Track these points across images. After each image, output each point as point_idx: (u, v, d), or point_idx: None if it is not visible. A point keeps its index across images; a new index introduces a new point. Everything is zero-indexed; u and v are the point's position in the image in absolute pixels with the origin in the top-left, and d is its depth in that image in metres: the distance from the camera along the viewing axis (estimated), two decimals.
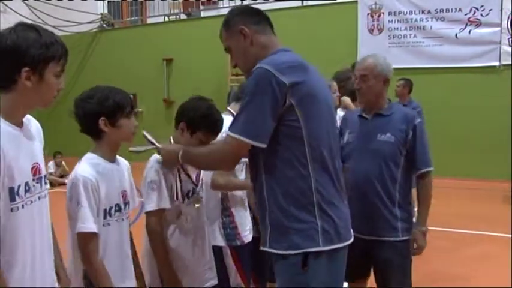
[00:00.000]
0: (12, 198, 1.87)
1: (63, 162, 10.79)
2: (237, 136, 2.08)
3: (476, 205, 7.16)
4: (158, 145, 2.59)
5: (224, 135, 2.21)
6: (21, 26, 1.88)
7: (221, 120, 2.77)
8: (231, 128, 2.12)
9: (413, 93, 7.16)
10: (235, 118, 2.14)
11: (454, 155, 9.39)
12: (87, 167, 2.37)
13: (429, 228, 3.12)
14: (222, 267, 3.06)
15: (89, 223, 2.28)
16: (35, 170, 1.99)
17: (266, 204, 2.19)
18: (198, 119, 2.71)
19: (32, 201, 1.96)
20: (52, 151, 10.74)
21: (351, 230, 2.29)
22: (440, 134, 8.67)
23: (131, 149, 2.62)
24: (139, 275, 2.65)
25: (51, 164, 10.43)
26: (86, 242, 2.31)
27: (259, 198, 2.23)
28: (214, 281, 2.90)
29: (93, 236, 2.30)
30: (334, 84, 4.40)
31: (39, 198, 2.02)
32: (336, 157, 2.25)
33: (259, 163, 2.18)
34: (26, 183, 1.93)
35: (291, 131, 2.11)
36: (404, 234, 3.06)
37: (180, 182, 2.73)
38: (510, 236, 6.01)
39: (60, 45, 1.90)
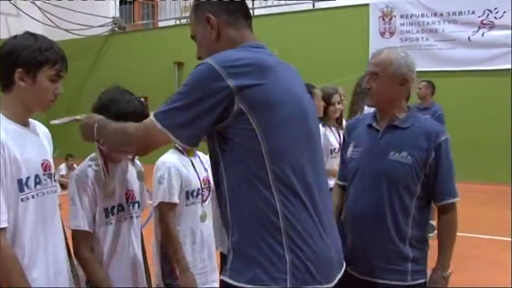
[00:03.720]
0: (21, 189, 2.01)
1: (74, 165, 10.85)
2: (162, 128, 1.74)
3: (479, 209, 7.12)
4: (78, 117, 2.19)
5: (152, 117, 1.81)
6: (24, 33, 2.10)
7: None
8: (157, 114, 1.78)
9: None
10: (165, 105, 1.78)
11: (464, 159, 9.33)
12: (84, 165, 2.43)
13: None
14: None
15: (78, 220, 2.34)
16: (45, 166, 2.14)
17: (230, 226, 1.81)
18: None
19: (43, 193, 2.11)
20: (64, 154, 10.80)
21: (335, 272, 1.84)
22: (453, 138, 8.60)
23: (52, 122, 2.30)
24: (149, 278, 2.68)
25: (62, 166, 10.48)
26: (76, 239, 2.36)
27: (224, 219, 1.86)
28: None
29: (84, 233, 2.36)
30: (318, 92, 4.28)
31: (50, 191, 2.16)
32: (312, 182, 1.82)
33: (222, 178, 1.81)
34: (36, 176, 2.08)
35: (245, 141, 1.73)
36: (415, 277, 2.43)
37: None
38: (510, 239, 6.04)
39: (55, 51, 2.07)
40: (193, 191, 2.90)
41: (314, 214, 1.79)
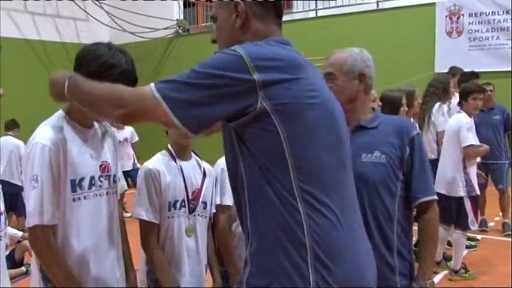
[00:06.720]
0: (73, 189, 2.04)
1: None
2: (158, 97, 1.52)
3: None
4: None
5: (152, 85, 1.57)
6: (105, 44, 2.10)
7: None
8: (159, 82, 1.57)
9: (495, 98, 6.89)
10: (172, 79, 1.56)
11: None
12: (153, 160, 2.57)
13: None
14: None
15: (143, 211, 2.47)
16: (104, 167, 2.17)
17: (250, 236, 1.63)
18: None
19: (97, 195, 2.13)
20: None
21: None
22: None
23: None
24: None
25: None
26: (144, 230, 2.50)
27: (245, 229, 1.68)
28: None
29: (151, 224, 2.47)
30: (416, 91, 4.27)
31: (107, 193, 2.18)
32: (343, 195, 1.66)
33: (242, 184, 1.63)
34: (92, 178, 2.10)
35: (267, 144, 1.55)
36: None
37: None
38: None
39: (119, 69, 2.02)
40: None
41: (347, 229, 1.60)
